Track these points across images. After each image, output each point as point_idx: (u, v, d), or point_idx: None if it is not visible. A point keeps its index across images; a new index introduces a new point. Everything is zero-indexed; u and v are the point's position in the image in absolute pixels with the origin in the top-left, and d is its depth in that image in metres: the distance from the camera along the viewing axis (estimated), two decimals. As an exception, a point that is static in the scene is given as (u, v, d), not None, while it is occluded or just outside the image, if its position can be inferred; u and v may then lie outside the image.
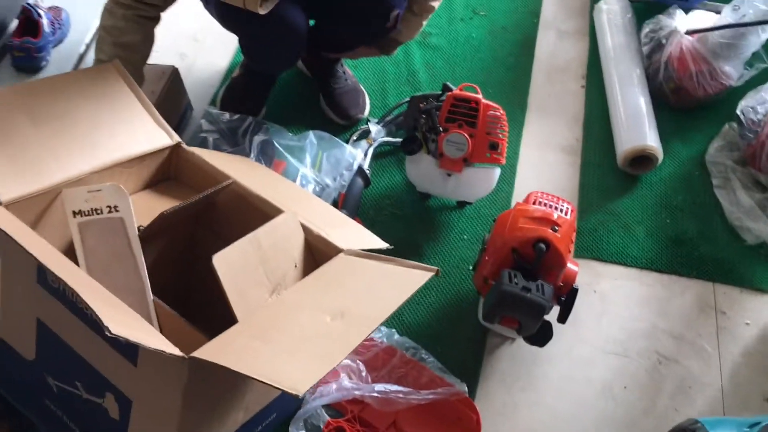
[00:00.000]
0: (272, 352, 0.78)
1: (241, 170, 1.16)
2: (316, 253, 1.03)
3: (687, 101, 1.64)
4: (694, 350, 1.30)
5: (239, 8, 1.17)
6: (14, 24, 1.59)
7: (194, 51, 1.76)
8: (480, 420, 1.14)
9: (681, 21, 1.65)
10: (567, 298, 1.16)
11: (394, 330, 1.25)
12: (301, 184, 1.39)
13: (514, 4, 1.94)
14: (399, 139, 1.49)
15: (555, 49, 1.84)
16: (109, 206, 0.96)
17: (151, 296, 0.96)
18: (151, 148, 1.09)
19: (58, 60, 1.60)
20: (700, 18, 1.65)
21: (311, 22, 1.45)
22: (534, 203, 1.21)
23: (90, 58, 1.62)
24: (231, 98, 1.59)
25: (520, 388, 1.24)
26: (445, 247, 1.42)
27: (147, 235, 0.98)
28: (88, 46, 1.66)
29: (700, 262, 1.42)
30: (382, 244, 1.10)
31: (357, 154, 1.46)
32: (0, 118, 0.96)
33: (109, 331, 0.66)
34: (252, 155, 1.42)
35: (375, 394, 1.11)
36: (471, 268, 1.27)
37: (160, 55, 1.59)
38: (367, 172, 1.46)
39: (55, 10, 1.65)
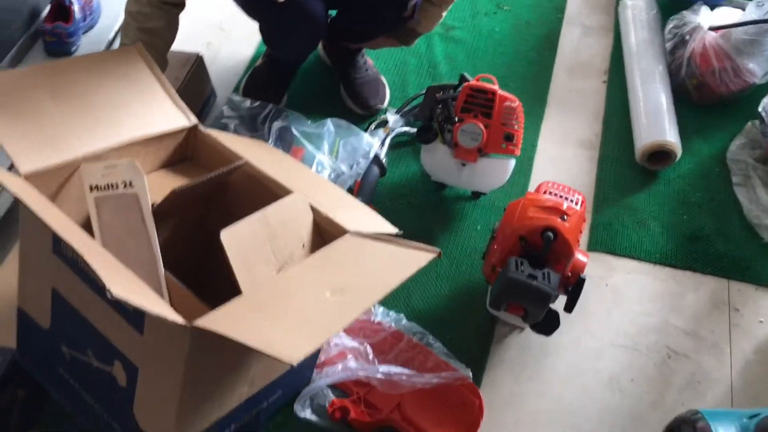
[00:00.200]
0: (271, 323, 0.80)
1: (256, 153, 1.18)
2: (325, 234, 1.05)
3: (709, 98, 1.62)
4: (705, 346, 1.29)
5: (260, -4, 1.19)
6: (46, 10, 1.64)
7: (220, 40, 1.80)
8: (483, 405, 1.15)
9: (706, 17, 1.64)
10: (574, 287, 1.16)
11: (402, 315, 1.27)
12: (316, 170, 1.41)
13: (539, -1, 1.94)
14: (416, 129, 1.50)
15: (579, 44, 1.84)
16: (124, 182, 0.99)
17: (162, 270, 0.98)
18: (169, 129, 1.12)
19: (88, 45, 1.65)
20: (726, 14, 1.64)
21: (332, 12, 1.47)
22: (545, 193, 1.22)
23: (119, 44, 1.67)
24: (253, 86, 1.62)
25: (527, 378, 1.25)
26: (459, 236, 1.43)
27: (160, 211, 1.01)
28: (117, 33, 1.70)
29: (715, 259, 1.40)
30: (392, 229, 1.11)
31: (374, 143, 1.48)
32: (23, 95, 0.99)
33: (110, 293, 0.69)
34: (270, 141, 1.44)
35: (379, 376, 1.13)
36: (482, 257, 1.28)
37: (187, 43, 1.62)
38: (384, 160, 1.48)
39: (87, -3, 1.70)
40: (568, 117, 1.66)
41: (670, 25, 1.68)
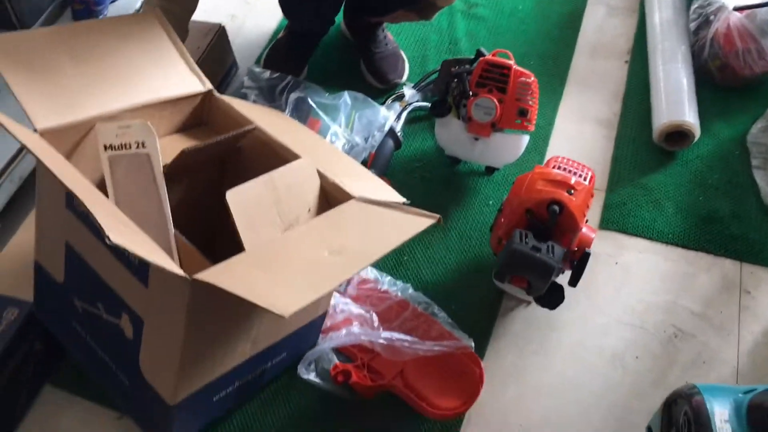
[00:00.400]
0: (267, 278, 0.82)
1: (270, 121, 1.20)
2: (332, 200, 1.07)
3: (732, 80, 1.60)
4: (713, 327, 1.28)
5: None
6: (75, -22, 1.68)
7: (244, 13, 1.82)
8: (483, 374, 1.16)
9: (733, -3, 1.61)
10: (578, 261, 1.16)
11: (409, 285, 1.28)
12: (330, 141, 1.43)
13: (565, -23, 1.92)
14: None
15: (602, 24, 1.82)
16: (137, 142, 1.02)
17: (172, 230, 1.01)
18: (184, 93, 1.15)
19: (115, 14, 1.68)
20: (753, -6, 1.61)
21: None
22: (554, 167, 1.22)
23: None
24: (274, 58, 1.64)
25: (531, 351, 1.26)
26: (470, 211, 1.43)
27: (171, 172, 1.04)
28: (143, 2, 1.73)
29: (729, 241, 1.39)
30: (400, 199, 1.12)
31: (389, 116, 1.49)
32: (42, 56, 1.02)
33: (108, 239, 0.71)
34: (287, 111, 1.46)
35: (381, 341, 1.15)
36: (489, 230, 1.29)
37: (211, 15, 1.66)
38: (399, 134, 1.49)
39: (115, -34, 1.73)
40: (588, 96, 1.65)
41: (695, 5, 1.66)
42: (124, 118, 1.06)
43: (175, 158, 1.02)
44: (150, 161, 1.03)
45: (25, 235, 1.25)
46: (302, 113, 1.47)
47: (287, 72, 1.58)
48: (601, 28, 1.81)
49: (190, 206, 1.15)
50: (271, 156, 1.13)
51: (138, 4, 1.72)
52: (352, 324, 1.20)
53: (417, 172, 1.50)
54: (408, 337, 1.16)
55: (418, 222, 0.94)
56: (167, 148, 1.05)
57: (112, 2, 1.70)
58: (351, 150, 1.44)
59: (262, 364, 1.10)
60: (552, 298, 1.19)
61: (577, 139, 1.57)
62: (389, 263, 1.34)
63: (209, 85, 1.18)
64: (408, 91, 1.56)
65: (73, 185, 0.83)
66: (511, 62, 1.35)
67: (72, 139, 1.02)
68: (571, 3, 1.87)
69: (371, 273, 1.29)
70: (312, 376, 1.16)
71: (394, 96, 1.58)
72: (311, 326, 1.17)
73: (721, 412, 0.90)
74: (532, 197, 1.15)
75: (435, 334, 1.21)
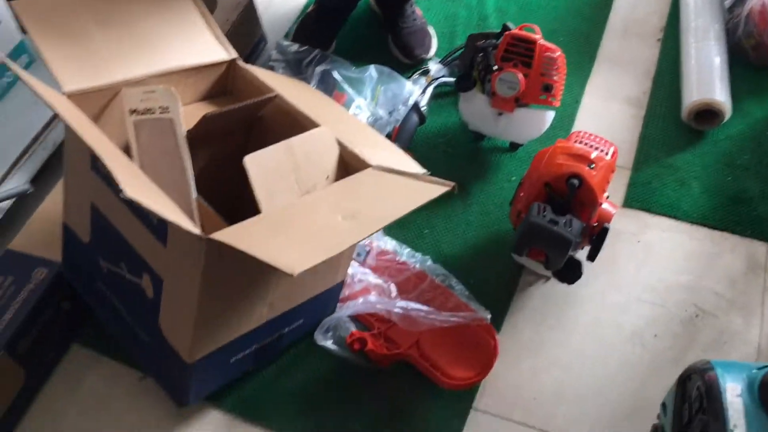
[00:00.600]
0: (280, 240, 0.84)
1: (293, 90, 1.21)
2: (351, 169, 1.08)
3: (767, 59, 1.56)
4: (735, 307, 1.27)
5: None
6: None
7: (274, -13, 1.83)
8: (497, 346, 1.17)
9: (770, -26, 1.57)
10: (597, 236, 1.16)
11: (428, 257, 1.29)
12: (354, 113, 1.44)
13: (599, -46, 1.89)
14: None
15: (635, 1, 1.79)
16: (161, 107, 1.04)
17: (194, 194, 1.03)
18: (209, 61, 1.17)
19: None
20: (791, -29, 1.56)
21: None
22: (576, 142, 1.21)
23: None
24: (303, 32, 1.65)
25: (548, 327, 1.26)
26: (492, 186, 1.43)
27: (193, 137, 1.06)
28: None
29: (756, 222, 1.37)
30: (420, 170, 1.13)
31: (415, 91, 1.49)
32: (70, 20, 1.05)
33: (123, 193, 0.74)
34: (312, 84, 1.48)
35: (397, 310, 1.16)
36: (509, 203, 1.29)
37: (241, -12, 1.66)
38: (424, 109, 1.49)
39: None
40: (617, 74, 1.63)
41: (730, -18, 1.62)
42: (149, 83, 1.09)
43: (197, 123, 1.04)
44: (173, 126, 1.05)
45: (56, 198, 1.28)
46: (328, 86, 1.48)
47: (316, 46, 1.59)
48: (634, 6, 1.78)
49: (214, 174, 1.17)
50: (293, 125, 1.14)
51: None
52: (370, 293, 1.22)
53: (441, 147, 1.50)
54: (424, 307, 1.17)
55: (432, 189, 0.95)
56: (192, 115, 1.07)
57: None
58: (375, 123, 1.45)
59: (279, 329, 1.13)
60: (570, 273, 1.18)
61: (604, 117, 1.55)
62: (410, 235, 1.35)
63: (234, 53, 1.20)
64: (434, 66, 1.56)
65: (94, 145, 0.85)
66: (537, 36, 1.34)
67: (99, 103, 1.05)
68: (604, -20, 1.84)
69: (390, 244, 1.31)
70: (329, 343, 1.18)
71: (420, 71, 1.58)
72: (329, 294, 1.18)
73: (733, 387, 0.89)
74: (552, 171, 1.14)
75: (451, 305, 1.22)
